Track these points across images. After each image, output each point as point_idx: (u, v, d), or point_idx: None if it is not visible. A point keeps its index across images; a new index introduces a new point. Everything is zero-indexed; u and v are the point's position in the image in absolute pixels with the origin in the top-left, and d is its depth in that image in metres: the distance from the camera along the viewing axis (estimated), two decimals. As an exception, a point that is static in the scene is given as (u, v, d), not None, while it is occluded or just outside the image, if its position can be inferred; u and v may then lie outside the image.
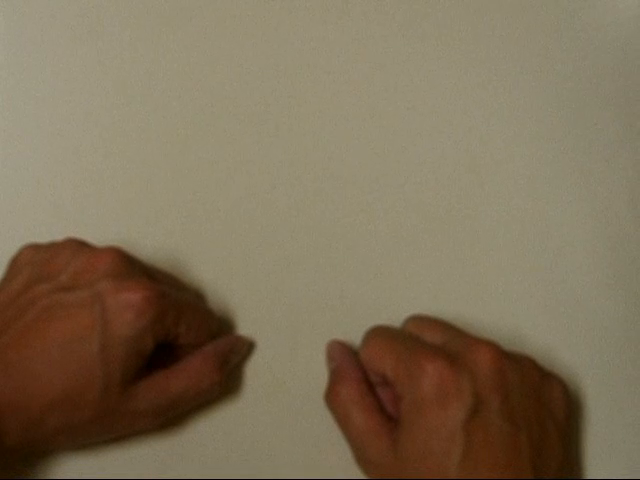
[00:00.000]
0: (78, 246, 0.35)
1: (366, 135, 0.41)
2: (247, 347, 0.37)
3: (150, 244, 0.39)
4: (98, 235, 0.37)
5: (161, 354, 0.33)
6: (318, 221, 0.39)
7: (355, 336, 0.36)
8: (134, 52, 0.43)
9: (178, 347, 0.34)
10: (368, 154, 0.41)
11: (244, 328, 0.37)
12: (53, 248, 0.35)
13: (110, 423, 0.32)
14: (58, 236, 0.36)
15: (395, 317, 0.37)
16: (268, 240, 0.39)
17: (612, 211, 0.40)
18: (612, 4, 0.45)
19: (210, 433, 0.35)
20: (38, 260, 0.34)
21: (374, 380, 0.34)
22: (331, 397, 0.34)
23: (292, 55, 0.43)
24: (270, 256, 0.39)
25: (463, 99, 0.42)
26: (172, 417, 0.34)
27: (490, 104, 0.42)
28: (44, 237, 0.36)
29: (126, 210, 0.40)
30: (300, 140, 0.41)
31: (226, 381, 0.35)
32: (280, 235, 0.39)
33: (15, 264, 0.35)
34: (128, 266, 0.33)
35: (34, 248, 0.35)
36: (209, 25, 0.43)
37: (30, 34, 0.43)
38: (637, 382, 0.37)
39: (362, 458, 0.33)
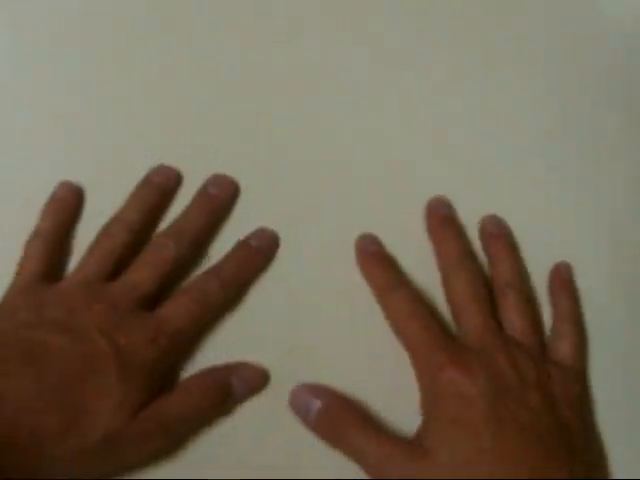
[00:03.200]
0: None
1: (367, 136, 0.41)
2: (259, 377, 0.35)
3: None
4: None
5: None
6: (317, 218, 0.39)
7: (355, 334, 0.36)
8: (133, 51, 0.43)
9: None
10: (369, 154, 0.41)
11: (244, 328, 0.37)
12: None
13: (117, 450, 0.32)
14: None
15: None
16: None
17: (613, 211, 0.40)
18: (619, 5, 0.45)
19: (209, 433, 0.35)
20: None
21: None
22: (337, 439, 0.34)
23: (292, 56, 0.43)
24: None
25: (466, 100, 0.42)
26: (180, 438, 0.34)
27: (493, 105, 0.42)
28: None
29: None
30: (301, 137, 0.41)
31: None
32: (280, 233, 0.39)
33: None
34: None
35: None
36: (209, 24, 0.44)
37: (28, 34, 0.43)
38: (637, 382, 0.37)
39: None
